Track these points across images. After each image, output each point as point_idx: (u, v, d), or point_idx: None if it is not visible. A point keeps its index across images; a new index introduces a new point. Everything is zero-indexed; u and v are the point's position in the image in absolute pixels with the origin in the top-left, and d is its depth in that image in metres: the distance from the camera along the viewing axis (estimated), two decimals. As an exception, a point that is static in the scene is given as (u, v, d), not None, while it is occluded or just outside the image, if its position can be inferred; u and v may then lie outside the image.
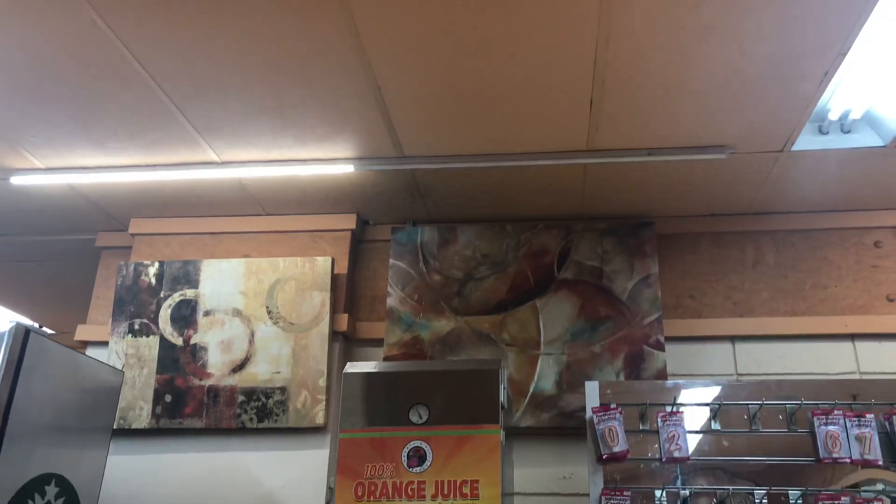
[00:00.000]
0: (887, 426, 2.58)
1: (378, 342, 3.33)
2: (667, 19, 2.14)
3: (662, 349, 3.12)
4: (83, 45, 2.31)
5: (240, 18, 2.19)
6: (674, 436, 2.62)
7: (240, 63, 2.39)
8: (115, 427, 2.85)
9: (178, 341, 3.23)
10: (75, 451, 2.50)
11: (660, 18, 2.13)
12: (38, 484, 2.29)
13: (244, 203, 3.36)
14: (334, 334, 3.24)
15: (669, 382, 2.80)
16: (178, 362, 3.19)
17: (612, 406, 2.68)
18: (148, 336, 3.25)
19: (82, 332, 3.45)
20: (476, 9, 2.12)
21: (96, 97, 2.58)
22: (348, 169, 2.98)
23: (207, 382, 3.15)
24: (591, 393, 2.76)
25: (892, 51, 2.39)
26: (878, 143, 2.76)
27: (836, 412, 2.60)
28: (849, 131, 2.78)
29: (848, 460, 2.53)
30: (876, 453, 2.53)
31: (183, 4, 2.14)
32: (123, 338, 3.26)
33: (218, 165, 3.01)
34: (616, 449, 2.61)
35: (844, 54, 2.26)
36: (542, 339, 3.21)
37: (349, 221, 3.43)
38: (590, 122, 2.66)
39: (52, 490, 2.35)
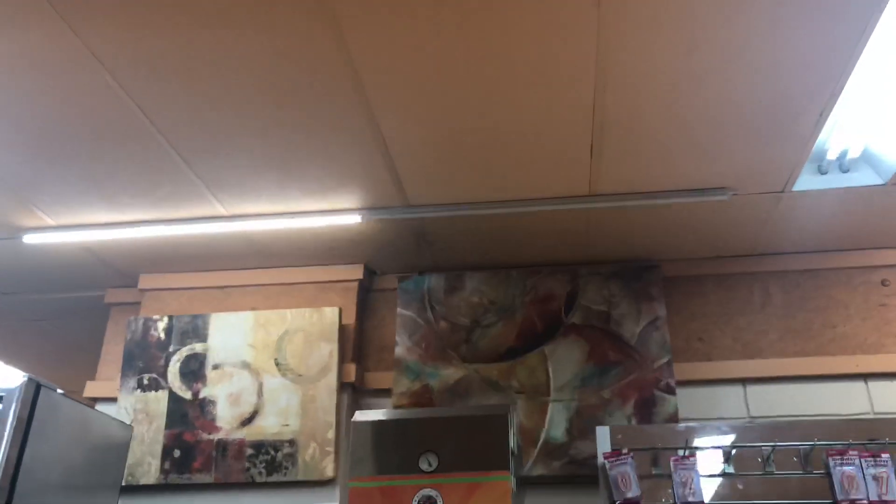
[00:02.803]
0: (904, 466, 2.54)
1: (386, 392, 3.32)
2: (662, 64, 2.19)
3: (673, 393, 3.10)
4: (95, 105, 2.38)
5: (246, 75, 2.25)
6: (687, 480, 2.58)
7: (246, 118, 2.46)
8: (123, 483, 2.83)
9: (187, 395, 3.22)
10: (84, 507, 2.49)
11: (655, 64, 2.19)
12: (46, 541, 2.27)
13: (252, 256, 3.39)
14: (342, 385, 3.23)
15: (681, 426, 2.77)
16: (186, 416, 3.18)
17: (624, 451, 2.65)
18: (157, 391, 3.25)
19: (91, 389, 3.45)
20: (477, 60, 2.18)
21: (108, 154, 2.64)
22: (355, 219, 3.02)
23: (216, 436, 3.13)
24: (603, 439, 2.74)
25: (886, 90, 2.43)
26: (878, 181, 2.79)
27: (851, 452, 2.56)
28: (847, 170, 2.81)
29: (865, 502, 2.49)
30: (894, 493, 2.48)
31: (192, 65, 2.21)
32: (132, 393, 3.26)
33: (226, 219, 3.05)
34: (629, 495, 2.58)
35: (838, 95, 2.30)
36: (551, 385, 3.20)
37: (357, 272, 3.45)
38: (591, 167, 2.70)
39: (60, 548, 2.33)
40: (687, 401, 3.16)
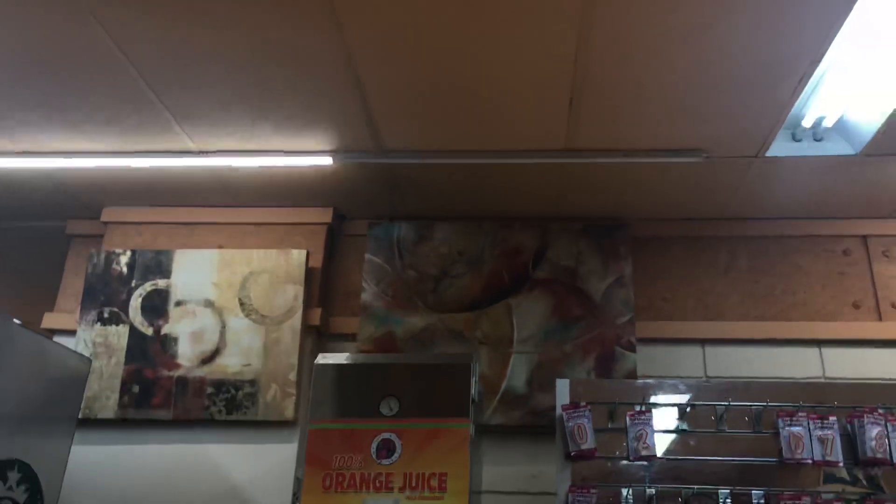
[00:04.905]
0: (849, 429, 2.63)
1: (351, 337, 3.32)
2: (645, 21, 2.16)
3: (634, 350, 3.15)
4: (60, 25, 2.28)
5: (221, 6, 2.17)
6: (642, 434, 2.64)
7: (220, 50, 2.38)
8: (80, 416, 2.81)
9: (149, 331, 3.19)
10: (39, 438, 2.47)
11: (641, 20, 2.16)
12: (0, 469, 2.26)
13: (219, 193, 3.33)
14: (307, 328, 3.22)
15: (639, 382, 2.83)
16: (147, 352, 3.15)
17: (582, 404, 2.70)
18: (118, 325, 3.21)
19: (49, 320, 3.39)
20: (460, 4, 2.13)
21: (72, 80, 2.54)
22: (326, 161, 2.97)
23: (176, 373, 3.11)
24: (562, 391, 2.79)
25: (864, 60, 2.43)
26: (849, 151, 2.81)
27: (800, 414, 2.64)
28: (821, 139, 2.83)
29: (810, 461, 2.57)
30: (837, 455, 2.57)
31: (163, -11, 2.12)
32: (92, 326, 3.21)
33: (194, 154, 2.98)
34: (584, 446, 2.63)
35: (818, 62, 2.30)
36: (515, 337, 3.22)
37: (325, 215, 3.41)
38: (569, 121, 2.68)
39: (14, 476, 2.31)
40: (646, 358, 3.21)
